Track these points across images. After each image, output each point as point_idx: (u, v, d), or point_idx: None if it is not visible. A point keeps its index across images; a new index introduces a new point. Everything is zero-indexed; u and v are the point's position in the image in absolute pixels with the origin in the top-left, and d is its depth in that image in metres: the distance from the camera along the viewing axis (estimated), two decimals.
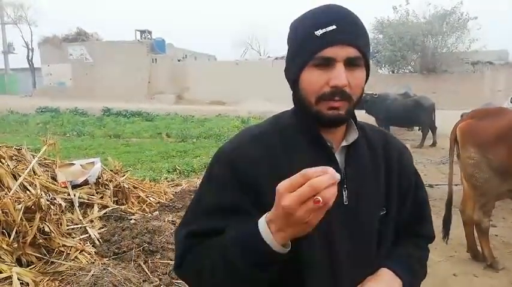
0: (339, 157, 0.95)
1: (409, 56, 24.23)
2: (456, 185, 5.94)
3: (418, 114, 10.16)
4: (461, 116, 6.02)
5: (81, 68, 27.89)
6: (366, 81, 0.93)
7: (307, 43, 0.87)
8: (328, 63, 0.86)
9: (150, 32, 28.81)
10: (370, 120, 11.52)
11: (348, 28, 0.87)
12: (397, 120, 10.63)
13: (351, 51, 0.86)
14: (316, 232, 0.81)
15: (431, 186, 6.29)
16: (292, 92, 0.96)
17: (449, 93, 20.24)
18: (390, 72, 25.40)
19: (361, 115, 11.80)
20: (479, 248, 3.59)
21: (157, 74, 26.62)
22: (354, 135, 0.95)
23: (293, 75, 0.92)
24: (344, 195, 0.92)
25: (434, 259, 3.66)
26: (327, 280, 0.90)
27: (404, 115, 10.29)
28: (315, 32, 0.86)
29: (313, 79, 0.88)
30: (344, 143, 0.95)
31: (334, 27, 0.85)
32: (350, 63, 0.86)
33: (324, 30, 0.85)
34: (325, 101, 0.87)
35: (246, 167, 0.90)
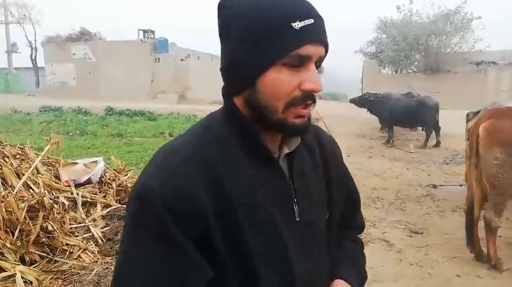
0: (283, 167, 0.82)
1: (413, 55, 24.18)
2: (460, 185, 5.95)
3: (422, 114, 10.12)
4: (467, 115, 5.98)
5: (85, 68, 27.97)
6: None
7: (281, 36, 0.70)
8: (301, 63, 0.72)
9: (153, 32, 28.86)
10: (373, 120, 11.51)
11: (322, 23, 0.74)
12: (400, 120, 10.59)
13: (322, 51, 0.74)
14: (272, 261, 0.76)
15: (434, 186, 6.27)
16: (230, 92, 0.80)
17: (453, 94, 20.16)
18: (393, 72, 25.33)
19: (364, 115, 11.81)
20: (483, 248, 3.58)
21: (160, 73, 26.66)
22: (295, 141, 0.82)
23: (250, 73, 0.73)
24: (295, 211, 0.81)
25: (437, 259, 3.65)
26: None
27: (408, 115, 10.25)
28: (293, 24, 0.69)
29: (283, 81, 0.72)
30: (286, 151, 0.81)
31: (312, 21, 0.71)
32: (317, 65, 0.75)
33: (303, 23, 0.70)
34: (294, 108, 0.73)
35: (185, 204, 0.68)
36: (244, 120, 0.77)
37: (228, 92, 0.81)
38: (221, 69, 0.80)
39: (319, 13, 0.75)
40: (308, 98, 0.74)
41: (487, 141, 3.34)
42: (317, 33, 0.72)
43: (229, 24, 0.74)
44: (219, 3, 0.77)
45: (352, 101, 11.33)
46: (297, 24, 0.69)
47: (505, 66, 22.34)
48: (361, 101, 10.96)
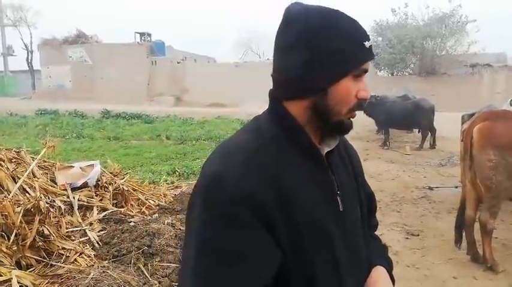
0: None
1: (408, 58, 24.28)
2: (456, 187, 5.97)
3: (418, 117, 10.17)
4: (462, 117, 6.02)
5: (81, 70, 27.91)
6: None
7: (357, 52, 0.86)
8: (361, 75, 0.87)
9: (149, 35, 28.88)
10: (369, 122, 11.54)
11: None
12: (397, 123, 10.64)
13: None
14: (322, 252, 0.86)
15: (430, 188, 6.29)
16: (282, 96, 0.90)
17: (448, 96, 20.26)
18: (389, 75, 25.44)
19: (360, 118, 11.83)
20: (479, 250, 3.60)
21: (157, 76, 26.63)
22: (335, 140, 0.94)
23: (326, 80, 0.85)
24: (339, 202, 0.92)
25: (434, 261, 3.67)
26: None
27: (404, 117, 10.30)
28: (365, 43, 0.86)
29: (350, 90, 0.86)
30: (327, 149, 0.93)
31: (371, 41, 0.88)
32: None
33: (369, 43, 0.87)
34: (352, 112, 0.89)
35: (253, 196, 0.77)
36: (296, 123, 0.87)
37: (278, 96, 0.91)
38: (281, 76, 0.89)
39: None
40: (362, 104, 0.88)
41: (480, 144, 3.36)
42: (373, 51, 0.89)
43: (308, 41, 0.83)
44: (289, 11, 0.87)
45: None
46: (367, 43, 0.86)
47: (500, 69, 22.48)
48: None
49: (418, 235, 4.31)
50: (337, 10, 0.87)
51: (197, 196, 0.81)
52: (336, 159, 0.97)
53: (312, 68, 0.84)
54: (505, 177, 3.25)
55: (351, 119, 0.90)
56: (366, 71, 0.88)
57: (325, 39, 0.83)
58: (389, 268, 1.04)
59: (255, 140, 0.86)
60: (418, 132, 10.86)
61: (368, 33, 0.88)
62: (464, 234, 3.73)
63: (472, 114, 5.15)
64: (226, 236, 0.76)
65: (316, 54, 0.83)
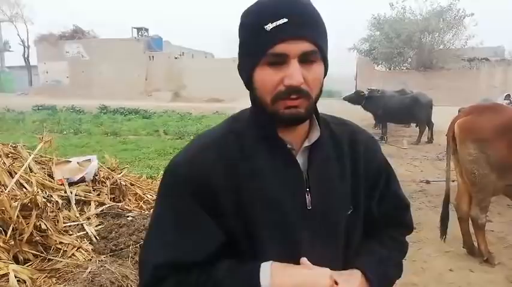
0: (302, 158, 0.89)
1: (406, 52, 24.30)
2: (453, 181, 5.99)
3: (416, 111, 10.19)
4: (459, 111, 6.03)
5: (78, 66, 27.80)
6: (324, 76, 0.87)
7: (257, 39, 0.80)
8: (281, 61, 0.79)
9: (147, 30, 28.77)
10: (367, 116, 11.55)
11: (301, 20, 0.79)
12: (395, 117, 10.65)
13: (306, 46, 0.79)
14: (280, 243, 0.85)
15: (428, 182, 6.32)
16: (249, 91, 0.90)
17: (446, 90, 20.29)
18: (387, 69, 25.43)
19: (357, 112, 11.84)
20: (475, 243, 3.62)
21: (154, 71, 26.56)
22: (316, 134, 0.89)
23: (246, 74, 0.85)
24: (307, 199, 0.87)
25: (430, 254, 3.69)
26: None
27: (402, 112, 10.31)
28: (265, 27, 0.78)
29: (266, 78, 0.81)
30: (306, 143, 0.89)
31: (285, 20, 0.78)
32: (305, 59, 0.80)
33: (274, 24, 0.78)
34: (282, 101, 0.81)
35: (201, 178, 0.84)
36: (260, 113, 0.87)
37: None
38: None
39: (304, 9, 0.81)
40: (292, 92, 0.80)
41: (461, 138, 3.41)
42: (290, 31, 0.78)
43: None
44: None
45: (347, 98, 11.33)
46: (269, 26, 0.78)
47: (497, 63, 22.53)
48: (356, 98, 10.97)
49: (415, 228, 4.32)
50: (259, 1, 0.83)
51: (162, 177, 0.92)
52: (322, 156, 0.91)
53: (240, 58, 0.88)
54: (489, 170, 3.26)
55: (291, 109, 0.81)
56: (284, 55, 0.78)
57: (241, 27, 0.86)
58: (375, 275, 0.92)
59: (226, 128, 0.91)
60: (416, 126, 10.88)
61: (283, 10, 0.78)
62: (449, 227, 3.75)
63: None
64: (171, 214, 0.86)
65: (240, 44, 0.87)
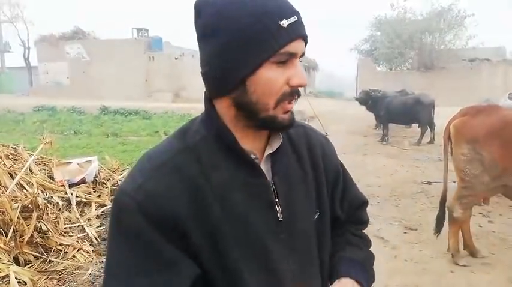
0: (265, 167, 0.83)
1: (407, 53, 24.30)
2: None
3: (419, 112, 10.19)
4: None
5: (78, 67, 27.79)
6: None
7: (270, 35, 0.71)
8: (288, 60, 0.74)
9: (147, 30, 28.75)
10: (368, 117, 11.53)
11: (301, 18, 0.76)
12: (397, 118, 10.66)
13: (304, 46, 0.76)
14: (254, 262, 0.78)
15: (429, 183, 6.30)
16: (212, 95, 0.79)
17: (447, 90, 20.27)
18: (388, 70, 25.42)
19: (359, 113, 11.83)
20: (475, 244, 3.62)
21: (155, 72, 26.55)
22: (278, 141, 0.83)
23: (240, 73, 0.73)
24: (278, 211, 0.81)
25: (431, 255, 3.67)
26: None
27: (404, 113, 10.32)
28: (280, 23, 0.71)
29: (273, 78, 0.73)
30: (269, 151, 0.83)
31: (296, 18, 0.73)
32: (298, 59, 0.77)
33: (289, 21, 0.72)
34: (283, 104, 0.75)
35: (160, 205, 0.71)
36: (221, 123, 0.78)
37: (209, 95, 0.80)
38: (203, 73, 0.79)
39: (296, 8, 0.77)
40: (295, 93, 0.76)
41: (455, 138, 3.45)
42: (301, 30, 0.74)
43: (216, 26, 0.73)
44: (197, 3, 0.77)
45: (358, 99, 11.26)
46: (284, 23, 0.71)
47: (499, 63, 22.49)
48: (365, 98, 10.96)
49: (416, 230, 4.32)
50: None
51: (111, 208, 0.78)
52: (285, 163, 0.85)
53: (224, 58, 0.73)
54: (481, 171, 3.28)
55: (288, 112, 0.77)
56: (292, 54, 0.73)
57: (232, 21, 0.71)
58: (363, 278, 0.92)
59: (178, 144, 0.79)
60: (418, 127, 10.87)
61: (292, 9, 0.73)
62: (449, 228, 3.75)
63: None
64: (127, 250, 0.72)
65: (225, 43, 0.72)
